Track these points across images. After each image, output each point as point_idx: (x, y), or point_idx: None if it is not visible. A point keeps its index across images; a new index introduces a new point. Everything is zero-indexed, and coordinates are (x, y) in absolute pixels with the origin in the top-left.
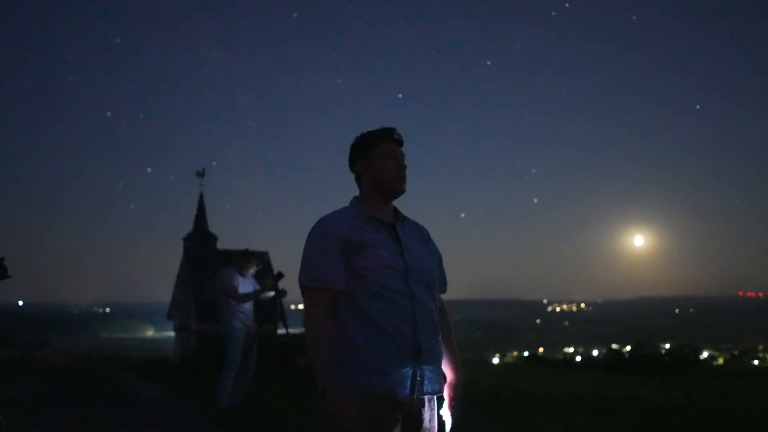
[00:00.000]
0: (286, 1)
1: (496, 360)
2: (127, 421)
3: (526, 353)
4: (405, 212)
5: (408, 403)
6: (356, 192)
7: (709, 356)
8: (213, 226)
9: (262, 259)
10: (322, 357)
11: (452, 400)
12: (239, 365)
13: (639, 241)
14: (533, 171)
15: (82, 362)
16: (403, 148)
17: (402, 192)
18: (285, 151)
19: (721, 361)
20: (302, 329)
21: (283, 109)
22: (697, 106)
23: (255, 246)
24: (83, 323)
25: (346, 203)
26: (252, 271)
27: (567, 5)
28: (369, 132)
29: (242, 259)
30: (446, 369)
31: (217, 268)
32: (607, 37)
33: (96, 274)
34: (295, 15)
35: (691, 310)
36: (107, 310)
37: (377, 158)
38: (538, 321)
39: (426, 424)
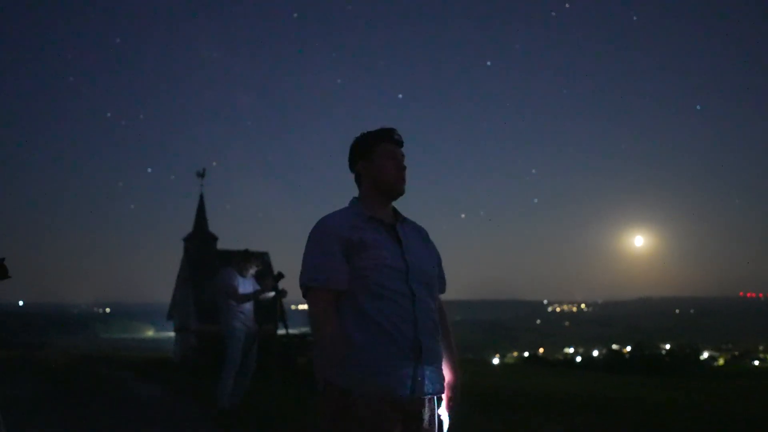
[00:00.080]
0: (286, 1)
1: (496, 360)
2: (127, 421)
3: (526, 353)
4: (405, 212)
5: (408, 403)
6: (356, 192)
7: (709, 357)
8: (213, 227)
9: (262, 259)
10: (325, 356)
11: (450, 400)
12: (239, 365)
13: (639, 241)
14: (533, 171)
15: (83, 362)
16: (404, 149)
17: (401, 193)
18: (285, 151)
19: (721, 361)
20: (302, 329)
21: (283, 109)
22: (698, 107)
23: (255, 246)
24: (83, 323)
25: (346, 203)
26: (252, 271)
27: (567, 5)
28: (369, 132)
29: (242, 259)
30: (445, 369)
31: (217, 268)
32: (607, 37)
33: (96, 274)
34: (295, 15)
35: (692, 310)
36: (107, 310)
37: (377, 159)
38: (538, 321)
39: (426, 424)
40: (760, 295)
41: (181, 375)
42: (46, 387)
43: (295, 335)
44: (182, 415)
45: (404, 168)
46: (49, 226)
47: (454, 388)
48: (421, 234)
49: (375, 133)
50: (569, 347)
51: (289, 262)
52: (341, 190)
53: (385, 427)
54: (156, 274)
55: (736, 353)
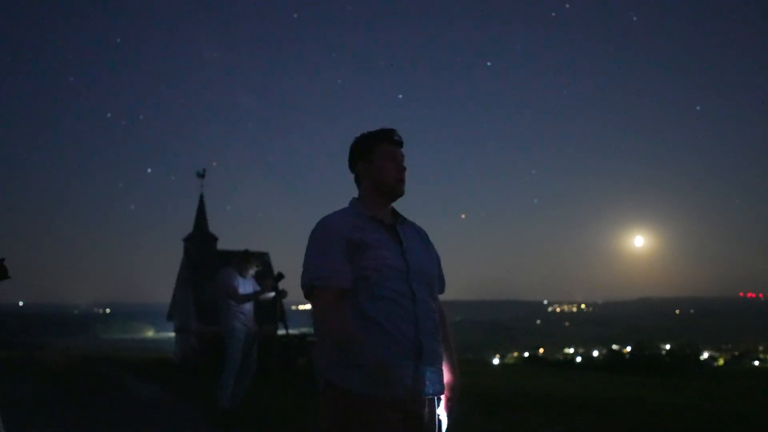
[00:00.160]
0: (286, 2)
1: (496, 360)
2: (128, 422)
3: (526, 354)
4: (405, 213)
5: (409, 404)
6: (356, 193)
7: (709, 357)
8: (213, 227)
9: (262, 259)
10: (329, 354)
11: (449, 400)
12: (239, 366)
13: (639, 241)
14: (533, 172)
15: (83, 363)
16: (404, 149)
17: (401, 194)
18: (285, 151)
19: (721, 361)
20: (302, 330)
21: (283, 109)
22: (698, 107)
23: (255, 247)
24: (83, 324)
25: (346, 204)
26: (252, 271)
27: (567, 6)
28: (369, 133)
29: (242, 259)
30: (444, 370)
31: (217, 268)
32: (607, 37)
33: (96, 275)
34: (295, 15)
35: (692, 310)
36: (107, 310)
37: (377, 159)
38: (538, 321)
39: (426, 424)
40: (760, 295)
41: (181, 375)
42: (46, 387)
43: (295, 336)
44: (182, 415)
45: (404, 169)
46: (49, 226)
47: (453, 388)
48: (421, 234)
49: (375, 134)
50: (569, 347)
51: (289, 262)
52: (341, 191)
53: (386, 428)
54: (156, 275)
55: (736, 353)
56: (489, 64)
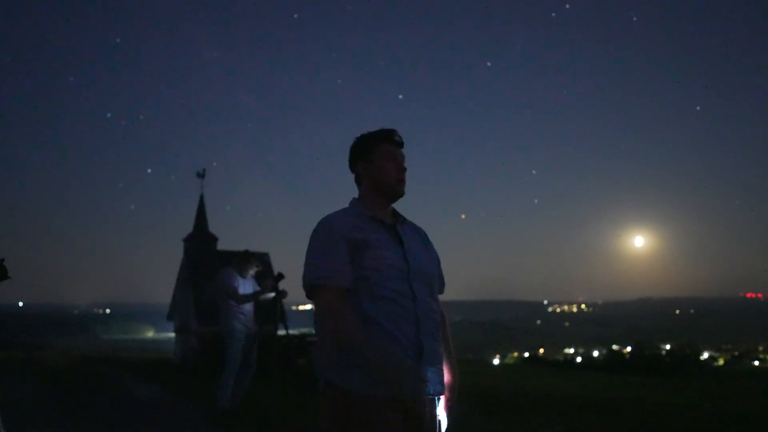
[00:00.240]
0: (286, 2)
1: (496, 361)
2: (128, 422)
3: (526, 354)
4: (405, 213)
5: (409, 404)
6: (356, 193)
7: (709, 357)
8: (213, 227)
9: (262, 260)
10: (327, 356)
11: (448, 401)
12: (239, 366)
13: (639, 241)
14: (533, 172)
15: (83, 363)
16: (404, 150)
17: (401, 195)
18: (285, 151)
19: (721, 362)
20: (302, 330)
21: (283, 109)
22: (698, 107)
23: (255, 247)
24: (83, 324)
25: (346, 204)
26: (252, 272)
27: (567, 6)
28: (369, 133)
29: (242, 260)
30: (444, 370)
31: (217, 269)
32: (607, 37)
33: (96, 275)
34: (295, 15)
35: (692, 310)
36: (107, 311)
37: (377, 160)
38: (538, 322)
39: (426, 424)
40: (761, 295)
41: (181, 376)
42: (46, 388)
43: (295, 336)
44: (182, 415)
45: (404, 170)
46: (49, 226)
47: (452, 389)
48: (421, 235)
49: (375, 134)
50: (569, 347)
51: (289, 262)
52: (341, 191)
53: (386, 428)
54: (156, 275)
55: (736, 353)
56: (489, 64)
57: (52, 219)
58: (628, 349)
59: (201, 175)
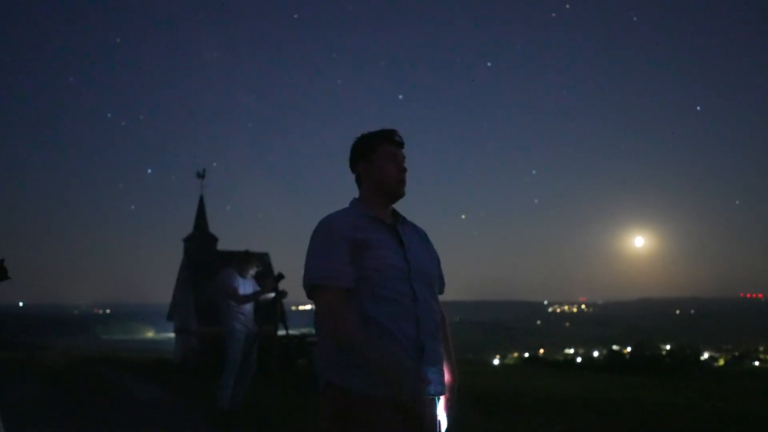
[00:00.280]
0: (286, 2)
1: (496, 361)
2: (128, 422)
3: (526, 354)
4: (405, 213)
5: (409, 404)
6: (356, 193)
7: (709, 357)
8: (213, 227)
9: (262, 260)
10: (327, 356)
11: (448, 401)
12: (239, 366)
13: (639, 242)
14: (533, 172)
15: (83, 363)
16: (404, 150)
17: (402, 195)
18: (285, 151)
19: (721, 362)
20: (302, 330)
21: (283, 109)
22: (698, 107)
23: (255, 247)
24: (84, 324)
25: (347, 204)
26: (252, 272)
27: (567, 6)
28: (370, 133)
29: (242, 260)
30: (444, 370)
31: (217, 269)
32: (607, 37)
33: (96, 275)
34: (295, 16)
35: (692, 311)
36: (108, 311)
37: (378, 160)
38: (538, 322)
39: (426, 425)
40: (761, 295)
41: (181, 376)
42: (46, 388)
43: (295, 336)
44: (182, 415)
45: (405, 170)
46: (49, 226)
47: (452, 389)
48: (421, 235)
49: (375, 135)
50: (570, 348)
51: (289, 262)
52: (341, 191)
53: (386, 428)
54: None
55: (737, 354)
56: (489, 64)
57: (52, 219)
58: (629, 349)
59: (201, 176)
